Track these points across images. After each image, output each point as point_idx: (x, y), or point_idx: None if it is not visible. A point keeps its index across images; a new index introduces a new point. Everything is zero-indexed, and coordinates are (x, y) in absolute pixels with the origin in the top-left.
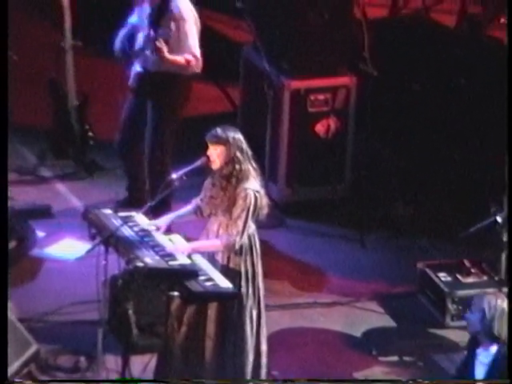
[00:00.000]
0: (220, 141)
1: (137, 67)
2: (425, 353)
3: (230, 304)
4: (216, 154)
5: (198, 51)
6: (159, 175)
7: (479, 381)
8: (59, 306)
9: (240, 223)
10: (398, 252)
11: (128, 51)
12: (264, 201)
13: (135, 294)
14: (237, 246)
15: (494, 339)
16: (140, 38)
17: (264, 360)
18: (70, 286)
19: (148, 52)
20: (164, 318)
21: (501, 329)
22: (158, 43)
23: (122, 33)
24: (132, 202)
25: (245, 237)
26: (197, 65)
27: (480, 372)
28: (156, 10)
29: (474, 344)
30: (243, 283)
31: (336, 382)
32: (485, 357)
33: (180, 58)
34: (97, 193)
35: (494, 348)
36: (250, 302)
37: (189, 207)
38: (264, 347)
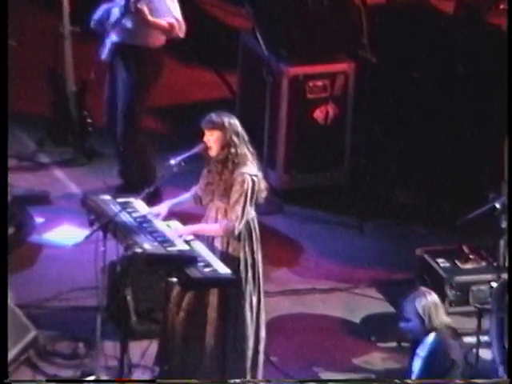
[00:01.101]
0: (215, 126)
1: (113, 37)
2: None
3: (230, 290)
4: (212, 140)
5: (179, 15)
6: (135, 154)
7: (479, 381)
8: (58, 292)
9: (238, 208)
10: (397, 238)
11: (105, 23)
12: (262, 184)
13: (134, 280)
14: (236, 232)
15: (432, 331)
16: (116, 10)
17: (262, 346)
18: (68, 272)
19: (126, 22)
20: (163, 304)
21: (437, 319)
22: (139, 5)
23: (102, 6)
24: (126, 186)
25: (244, 222)
26: (180, 28)
27: (416, 365)
28: None
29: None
30: (242, 269)
31: (321, 381)
32: (421, 350)
33: (163, 22)
34: (95, 179)
35: (429, 338)
36: (249, 288)
37: (188, 195)
38: (263, 333)
